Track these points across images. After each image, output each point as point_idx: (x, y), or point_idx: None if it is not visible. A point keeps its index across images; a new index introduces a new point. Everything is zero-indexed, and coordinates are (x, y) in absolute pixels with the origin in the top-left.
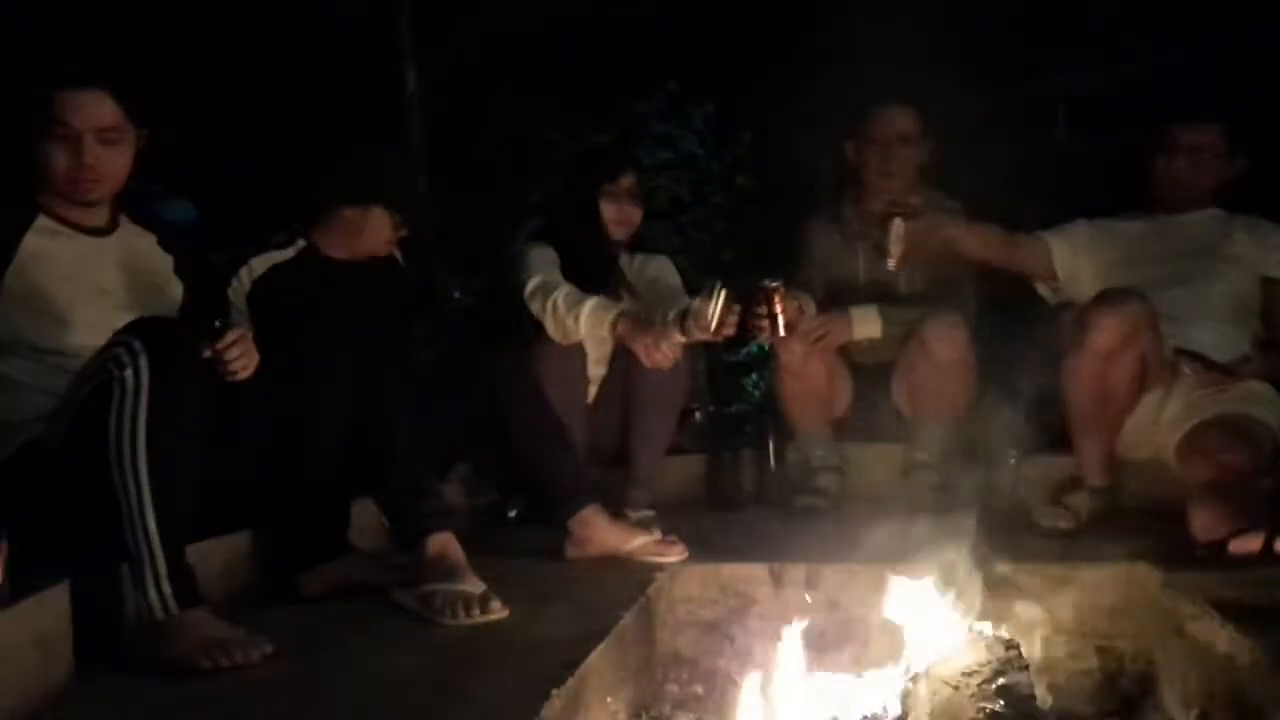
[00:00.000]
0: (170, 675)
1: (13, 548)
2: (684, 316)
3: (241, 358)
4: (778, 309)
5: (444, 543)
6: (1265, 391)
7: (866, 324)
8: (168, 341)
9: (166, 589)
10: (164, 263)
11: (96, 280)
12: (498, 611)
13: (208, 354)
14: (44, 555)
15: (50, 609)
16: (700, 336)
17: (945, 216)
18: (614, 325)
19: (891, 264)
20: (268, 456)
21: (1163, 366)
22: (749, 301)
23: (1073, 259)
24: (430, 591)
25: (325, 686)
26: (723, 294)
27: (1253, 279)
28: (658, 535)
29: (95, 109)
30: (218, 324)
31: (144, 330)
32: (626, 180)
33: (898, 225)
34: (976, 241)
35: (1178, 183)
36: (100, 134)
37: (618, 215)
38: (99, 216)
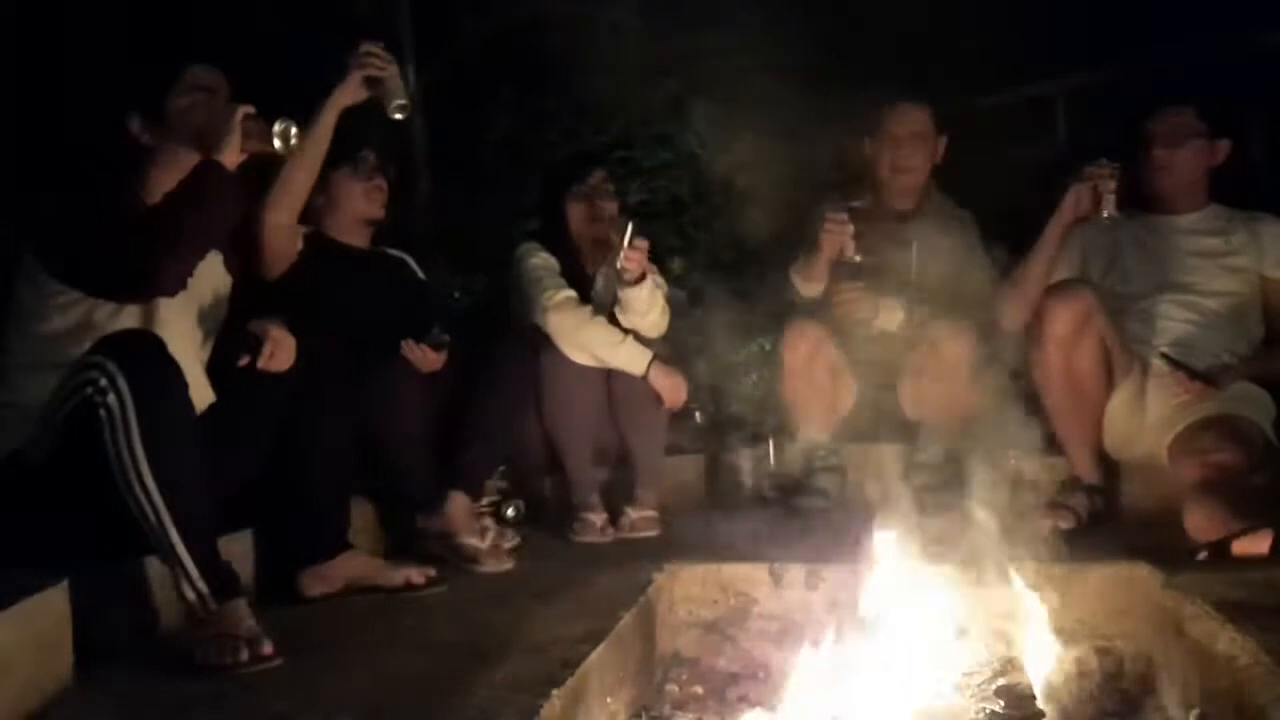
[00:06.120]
0: (171, 675)
1: None
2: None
3: (283, 359)
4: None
5: (461, 501)
6: (1253, 392)
7: (890, 316)
8: (141, 356)
9: (202, 588)
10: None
11: None
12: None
13: (244, 364)
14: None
15: (50, 609)
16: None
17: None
18: (648, 367)
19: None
20: (269, 456)
21: (1126, 355)
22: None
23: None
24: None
25: (325, 686)
26: (629, 226)
27: (1253, 280)
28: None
29: None
30: (254, 333)
31: (115, 349)
32: (594, 178)
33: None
34: None
35: (1159, 171)
36: None
37: (590, 212)
38: None
